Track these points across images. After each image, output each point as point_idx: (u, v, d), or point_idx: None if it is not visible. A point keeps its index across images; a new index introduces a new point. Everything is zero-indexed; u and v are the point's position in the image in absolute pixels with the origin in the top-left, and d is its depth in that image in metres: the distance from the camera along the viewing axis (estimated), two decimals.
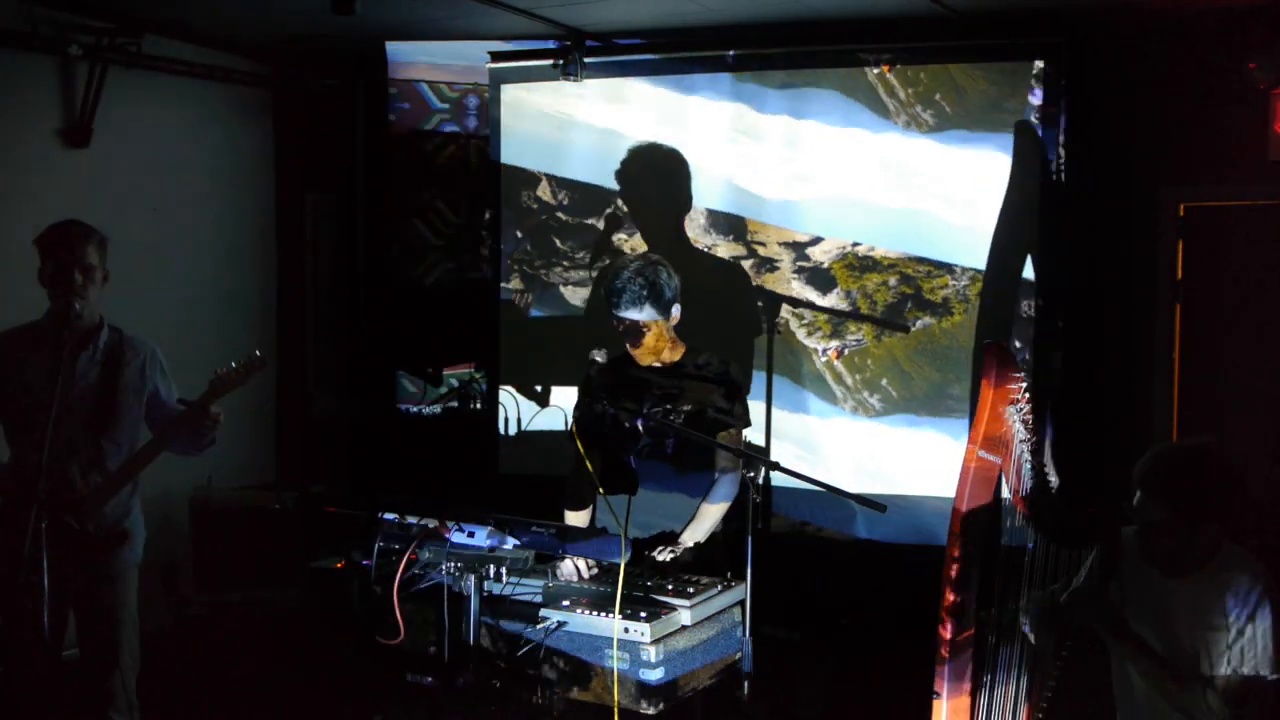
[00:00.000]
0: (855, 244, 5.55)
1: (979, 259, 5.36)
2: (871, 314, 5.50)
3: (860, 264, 5.56)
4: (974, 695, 2.96)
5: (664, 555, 3.64)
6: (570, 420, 3.71)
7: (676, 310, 3.85)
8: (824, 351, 5.61)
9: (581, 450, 3.62)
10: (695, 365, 3.90)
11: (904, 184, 5.46)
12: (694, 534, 3.77)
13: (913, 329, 5.47)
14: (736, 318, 5.71)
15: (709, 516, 3.81)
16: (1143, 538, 2.94)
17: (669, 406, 3.82)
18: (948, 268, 5.40)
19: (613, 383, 3.85)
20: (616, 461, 3.85)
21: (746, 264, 5.71)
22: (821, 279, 5.60)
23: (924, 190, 5.43)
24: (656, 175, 5.84)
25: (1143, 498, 2.91)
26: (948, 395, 5.44)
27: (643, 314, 3.76)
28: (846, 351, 5.59)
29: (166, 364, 4.07)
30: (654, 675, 2.98)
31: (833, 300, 5.60)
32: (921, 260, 5.45)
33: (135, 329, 4.05)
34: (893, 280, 5.50)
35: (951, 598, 2.88)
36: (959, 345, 5.42)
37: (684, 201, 5.80)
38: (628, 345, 3.84)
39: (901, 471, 5.44)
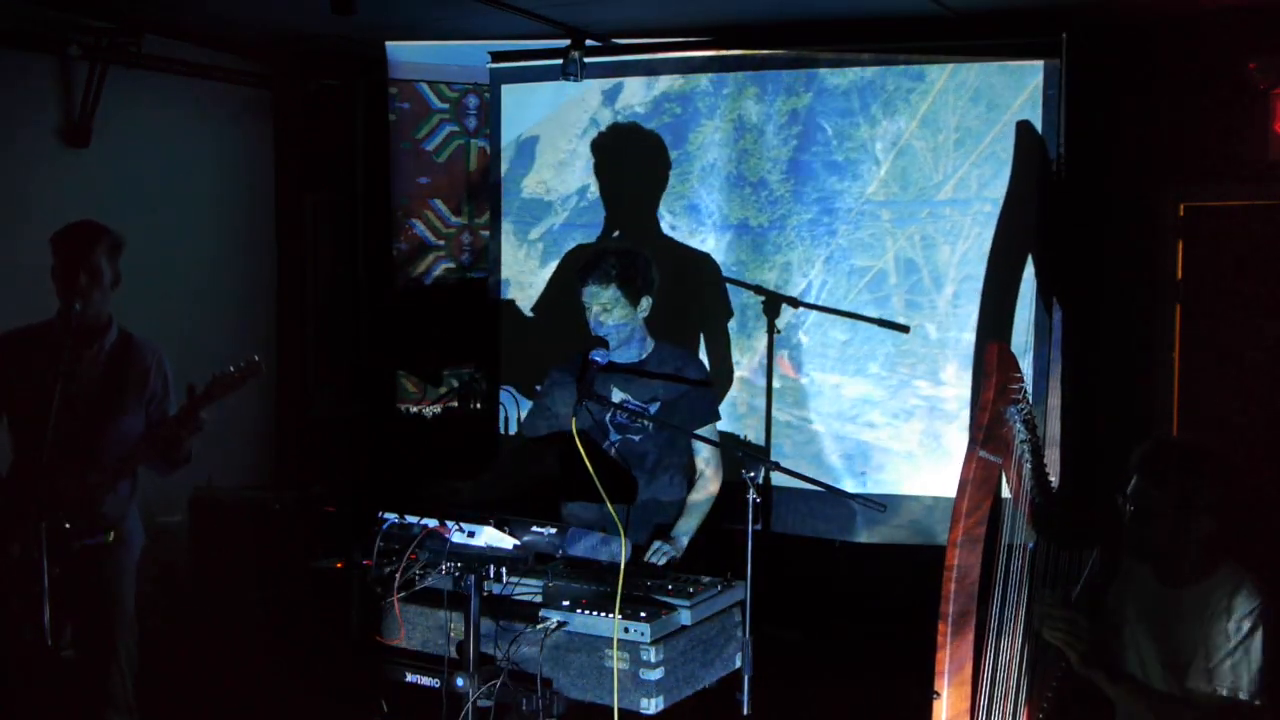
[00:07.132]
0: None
1: None
2: (869, 315, 5.48)
3: None
4: (974, 695, 2.96)
5: (662, 558, 3.64)
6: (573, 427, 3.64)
7: (646, 303, 3.80)
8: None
9: (582, 452, 3.59)
10: (666, 361, 3.87)
11: None
12: (685, 528, 3.77)
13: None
14: (705, 305, 5.66)
15: (697, 510, 3.81)
16: (1135, 524, 2.90)
17: (642, 402, 3.80)
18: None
19: (585, 382, 3.81)
20: (613, 465, 3.84)
21: None
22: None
23: None
24: (633, 155, 5.78)
25: (1139, 482, 2.88)
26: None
27: (607, 293, 3.69)
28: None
29: (172, 371, 4.06)
30: (654, 675, 2.98)
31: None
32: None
33: (134, 329, 4.04)
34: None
35: (951, 597, 2.88)
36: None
37: (658, 187, 5.77)
38: (591, 327, 3.76)
39: (903, 466, 5.43)
